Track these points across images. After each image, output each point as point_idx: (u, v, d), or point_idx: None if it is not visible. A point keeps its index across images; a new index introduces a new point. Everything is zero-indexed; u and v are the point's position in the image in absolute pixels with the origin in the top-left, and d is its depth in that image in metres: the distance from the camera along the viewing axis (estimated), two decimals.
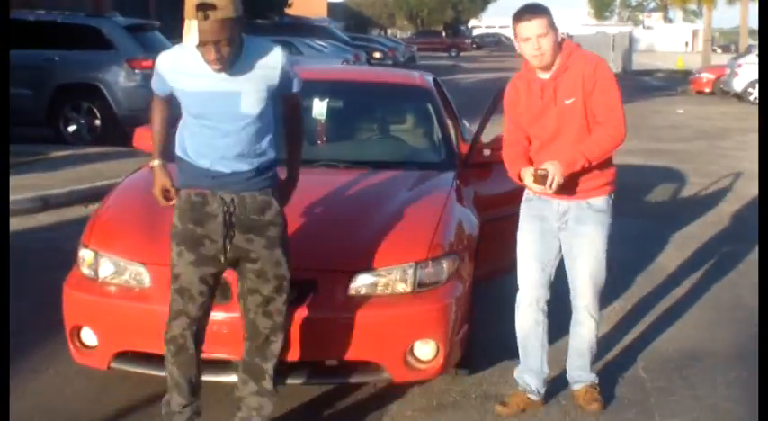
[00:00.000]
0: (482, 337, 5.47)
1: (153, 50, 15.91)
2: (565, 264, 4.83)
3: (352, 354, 4.65)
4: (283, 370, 4.60)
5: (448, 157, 6.04)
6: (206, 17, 3.66)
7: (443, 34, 67.66)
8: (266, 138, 4.10)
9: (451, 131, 6.37)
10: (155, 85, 4.20)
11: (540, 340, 4.87)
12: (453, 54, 60.71)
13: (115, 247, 4.78)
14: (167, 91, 4.15)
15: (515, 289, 4.91)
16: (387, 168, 5.79)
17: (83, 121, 14.63)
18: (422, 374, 4.76)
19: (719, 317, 6.58)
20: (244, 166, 4.05)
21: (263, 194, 4.11)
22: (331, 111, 6.50)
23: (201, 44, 3.75)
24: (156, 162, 4.26)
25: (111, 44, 15.01)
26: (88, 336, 4.76)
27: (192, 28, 3.69)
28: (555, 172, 4.42)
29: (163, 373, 4.34)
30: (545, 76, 4.60)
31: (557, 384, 5.11)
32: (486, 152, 5.87)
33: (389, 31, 76.26)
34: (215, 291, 4.19)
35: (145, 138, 6.06)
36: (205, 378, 4.39)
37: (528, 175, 4.52)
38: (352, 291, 4.62)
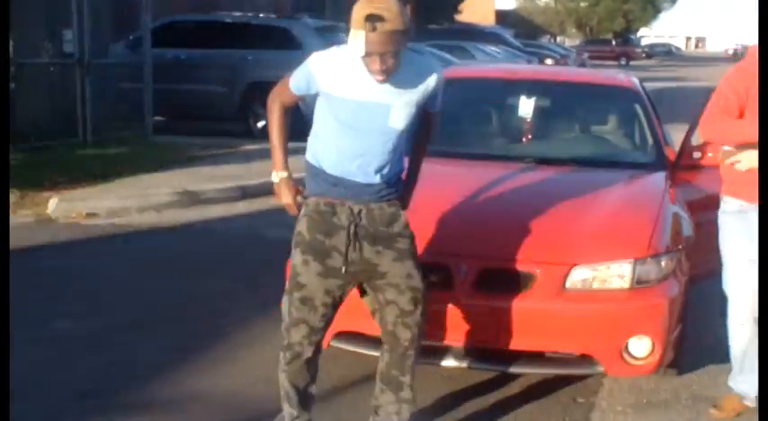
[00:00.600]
0: (690, 338, 5.45)
1: None
2: None
3: (567, 347, 4.75)
4: (501, 358, 4.76)
5: (659, 158, 6.06)
6: (374, 29, 3.64)
7: (613, 43, 66.62)
8: (400, 151, 4.09)
9: (660, 133, 6.36)
10: (297, 82, 4.03)
11: (756, 351, 4.68)
12: (623, 63, 59.73)
13: None
14: (310, 91, 4.01)
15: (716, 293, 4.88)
16: (597, 166, 5.86)
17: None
18: (636, 370, 4.80)
19: None
20: (377, 178, 3.99)
21: (391, 206, 4.05)
22: (538, 110, 6.61)
23: (368, 55, 3.71)
24: (283, 174, 4.15)
25: (300, 44, 15.46)
26: None
27: (358, 38, 3.68)
28: (750, 163, 4.49)
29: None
30: None
31: None
32: (696, 154, 5.83)
33: (558, 39, 75.59)
34: (339, 304, 4.14)
35: None
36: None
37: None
38: (569, 285, 4.69)
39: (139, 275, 7.28)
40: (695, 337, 5.47)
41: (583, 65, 43.54)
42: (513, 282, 4.69)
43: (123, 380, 5.18)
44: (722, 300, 4.87)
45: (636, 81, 7.04)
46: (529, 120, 6.61)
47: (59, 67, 13.43)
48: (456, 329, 4.70)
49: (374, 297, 4.17)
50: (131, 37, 15.62)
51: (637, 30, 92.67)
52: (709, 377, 5.34)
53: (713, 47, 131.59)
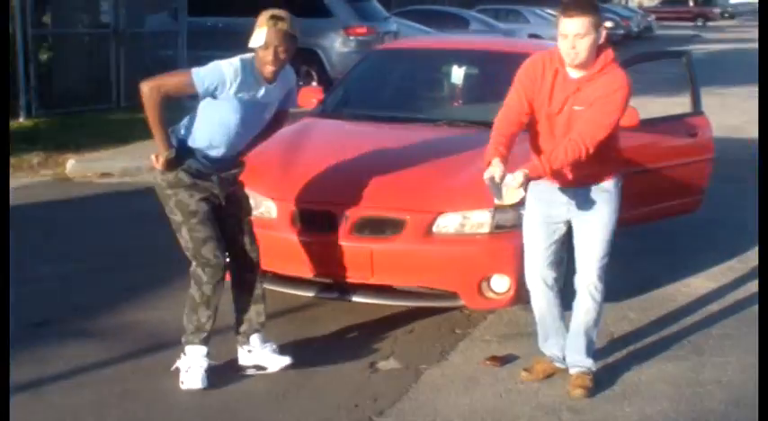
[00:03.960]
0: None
1: (369, 19, 17.16)
2: (574, 246, 4.98)
3: (434, 283, 5.57)
4: (373, 291, 5.60)
5: None
6: (275, 25, 4.67)
7: (691, 3, 65.79)
8: None
9: None
10: (205, 83, 4.71)
11: (557, 316, 5.06)
12: (699, 23, 59.07)
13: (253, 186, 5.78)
14: (214, 93, 4.74)
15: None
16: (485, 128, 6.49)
17: (301, 83, 15.90)
18: (492, 304, 5.60)
19: None
20: (232, 155, 5.04)
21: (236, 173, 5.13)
22: (449, 77, 7.41)
23: (266, 46, 4.69)
24: (172, 152, 4.84)
25: (330, 12, 16.28)
26: None
27: (260, 32, 4.68)
28: (516, 183, 4.47)
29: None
30: (574, 75, 4.65)
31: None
32: None
33: (635, 1, 74.67)
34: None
35: (308, 96, 7.16)
36: (306, 294, 5.50)
37: (492, 173, 4.49)
38: (436, 229, 5.47)
39: (127, 227, 8.20)
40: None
41: (648, 28, 43.36)
42: (387, 227, 5.51)
43: (78, 312, 6.10)
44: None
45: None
46: (459, 86, 7.34)
47: (96, 36, 14.37)
48: (338, 267, 5.52)
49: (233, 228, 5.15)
50: (174, 6, 16.54)
51: None
52: None
53: None
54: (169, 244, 5.32)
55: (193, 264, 4.98)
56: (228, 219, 5.09)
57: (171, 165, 4.84)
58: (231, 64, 4.74)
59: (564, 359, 5.07)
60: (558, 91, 4.67)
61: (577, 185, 4.82)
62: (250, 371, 5.16)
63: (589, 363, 5.01)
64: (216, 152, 4.91)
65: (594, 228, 4.85)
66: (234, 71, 4.71)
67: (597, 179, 4.82)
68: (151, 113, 4.74)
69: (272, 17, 4.69)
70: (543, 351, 5.18)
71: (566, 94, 4.65)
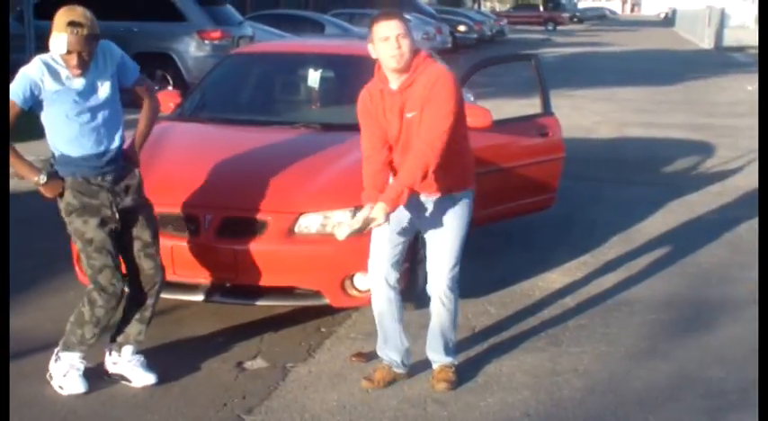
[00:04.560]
0: None
1: (223, 23, 17.10)
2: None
3: (298, 282, 5.64)
4: (242, 292, 5.63)
5: None
6: (75, 32, 4.51)
7: (540, 8, 67.58)
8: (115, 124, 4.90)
9: None
10: (22, 96, 4.63)
11: (396, 318, 5.03)
12: (550, 28, 60.72)
13: None
14: (35, 96, 4.66)
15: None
16: (338, 129, 6.57)
17: (157, 87, 15.73)
18: (356, 302, 5.68)
19: (669, 272, 7.27)
20: (104, 148, 4.83)
21: (127, 170, 5.00)
22: (298, 80, 7.58)
23: (68, 53, 4.55)
24: (43, 177, 4.79)
25: (184, 16, 16.17)
26: None
27: (60, 39, 4.53)
28: (381, 218, 4.54)
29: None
30: (395, 85, 4.68)
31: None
32: None
33: (487, 5, 76.27)
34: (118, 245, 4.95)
35: (165, 100, 7.14)
36: (173, 296, 5.41)
37: (351, 228, 4.61)
38: (297, 230, 5.53)
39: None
40: None
41: (501, 31, 44.38)
42: (250, 228, 5.53)
43: None
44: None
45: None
46: (296, 89, 7.56)
47: None
48: (203, 269, 5.53)
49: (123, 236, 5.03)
50: (18, 8, 16.15)
51: None
52: None
53: (648, 10, 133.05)
54: (33, 249, 5.24)
55: (91, 285, 4.94)
56: (132, 242, 5.01)
57: (52, 188, 4.82)
58: (33, 64, 4.67)
59: (402, 363, 5.10)
60: (390, 109, 4.72)
61: (430, 193, 4.85)
62: (114, 378, 5.13)
63: (449, 360, 5.11)
64: (84, 151, 4.79)
65: (445, 239, 4.89)
66: (38, 70, 4.64)
67: (450, 190, 4.85)
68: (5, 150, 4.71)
69: (71, 24, 4.51)
70: (381, 356, 5.15)
71: (397, 107, 4.69)
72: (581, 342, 5.77)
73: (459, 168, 4.84)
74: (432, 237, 4.95)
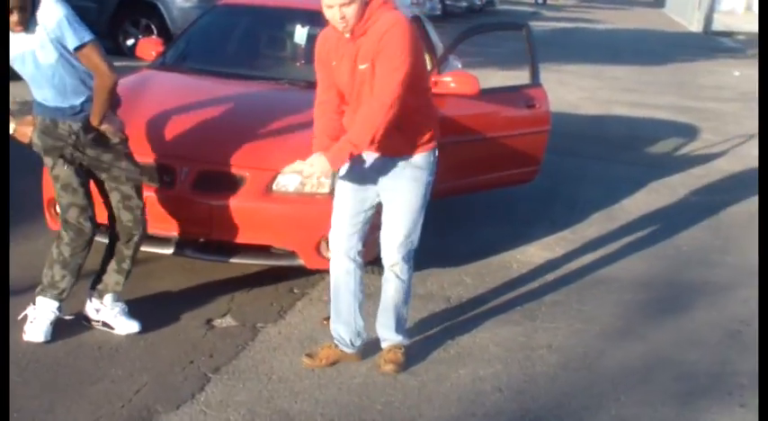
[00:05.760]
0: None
1: None
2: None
3: (273, 242, 5.51)
4: (215, 248, 5.51)
5: None
6: None
7: None
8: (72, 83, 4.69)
9: None
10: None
11: (353, 291, 4.75)
12: (540, 1, 60.31)
13: None
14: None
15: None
16: None
17: (140, 37, 15.52)
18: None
19: (648, 253, 7.20)
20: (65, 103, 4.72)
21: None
22: (283, 35, 7.42)
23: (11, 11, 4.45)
24: (12, 124, 4.83)
25: None
26: None
27: None
28: (320, 172, 4.34)
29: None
30: (348, 34, 4.37)
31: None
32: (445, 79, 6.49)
33: None
34: (88, 184, 4.88)
35: (147, 48, 6.99)
36: (143, 248, 5.28)
37: (304, 166, 4.40)
38: (275, 187, 5.41)
39: None
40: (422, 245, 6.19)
41: (490, 2, 43.98)
42: (227, 184, 5.41)
43: None
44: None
45: None
46: (282, 44, 7.43)
47: None
48: (177, 222, 5.41)
49: (102, 188, 4.95)
50: None
51: None
52: (415, 276, 6.08)
53: None
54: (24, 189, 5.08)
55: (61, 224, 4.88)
56: (111, 192, 4.94)
57: (22, 134, 4.83)
58: None
59: (351, 344, 4.81)
60: (343, 58, 4.41)
61: (386, 155, 4.52)
62: (96, 325, 5.04)
63: (399, 339, 4.86)
64: (49, 103, 4.73)
65: (399, 206, 4.57)
66: None
67: (406, 151, 4.51)
68: None
69: None
70: (332, 332, 4.86)
71: (351, 57, 4.37)
72: (556, 318, 5.70)
73: (415, 127, 4.50)
74: (386, 203, 4.62)
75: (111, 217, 5.00)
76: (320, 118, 4.64)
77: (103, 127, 4.73)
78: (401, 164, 4.53)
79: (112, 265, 5.06)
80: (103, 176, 4.91)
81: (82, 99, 4.72)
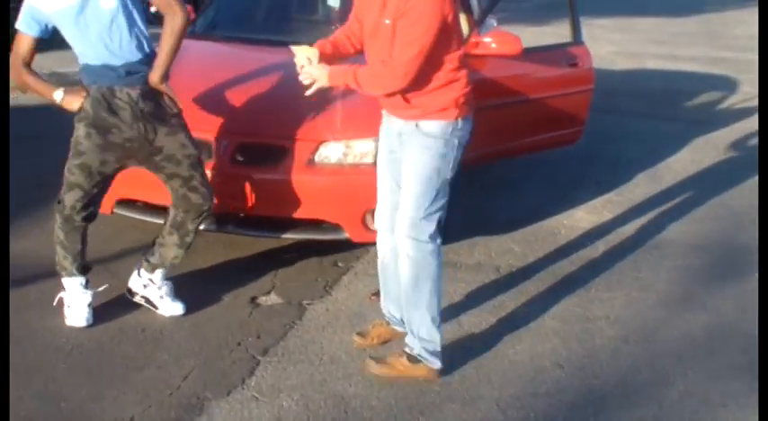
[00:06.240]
0: (459, 214, 5.85)
1: None
2: None
3: (317, 215, 5.30)
4: (256, 223, 5.31)
5: None
6: None
7: None
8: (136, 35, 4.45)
9: None
10: (30, 23, 4.45)
11: (404, 278, 4.27)
12: None
13: None
14: (41, 25, 4.45)
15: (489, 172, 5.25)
16: None
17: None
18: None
19: (699, 214, 6.95)
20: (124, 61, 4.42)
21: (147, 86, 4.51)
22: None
23: None
24: (60, 91, 4.54)
25: None
26: None
27: None
28: (315, 75, 4.19)
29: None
30: None
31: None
32: (487, 40, 6.24)
33: None
34: (112, 177, 4.67)
35: None
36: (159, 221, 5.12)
37: (305, 54, 4.25)
38: (318, 159, 5.19)
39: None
40: (466, 212, 5.98)
41: None
42: (267, 156, 5.20)
43: None
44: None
45: None
46: (314, 8, 7.14)
47: None
48: (216, 197, 5.18)
49: (158, 175, 4.71)
50: None
51: None
52: (462, 245, 5.91)
53: None
54: (36, 168, 4.89)
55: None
56: (171, 179, 4.68)
57: (71, 100, 4.51)
58: None
59: (402, 321, 4.45)
60: (374, 6, 4.09)
61: (402, 118, 4.19)
62: (137, 299, 4.90)
63: (410, 341, 4.32)
64: (101, 61, 4.40)
65: (408, 175, 4.15)
66: None
67: (418, 116, 4.11)
68: (22, 84, 4.56)
69: None
70: (383, 310, 4.62)
71: (378, 4, 4.04)
72: (611, 286, 5.48)
73: (431, 93, 4.07)
74: (401, 170, 4.22)
75: (176, 198, 4.74)
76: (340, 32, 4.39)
77: (164, 87, 4.49)
78: (414, 131, 4.14)
79: (173, 239, 4.81)
80: (155, 160, 4.62)
81: (137, 58, 4.44)
